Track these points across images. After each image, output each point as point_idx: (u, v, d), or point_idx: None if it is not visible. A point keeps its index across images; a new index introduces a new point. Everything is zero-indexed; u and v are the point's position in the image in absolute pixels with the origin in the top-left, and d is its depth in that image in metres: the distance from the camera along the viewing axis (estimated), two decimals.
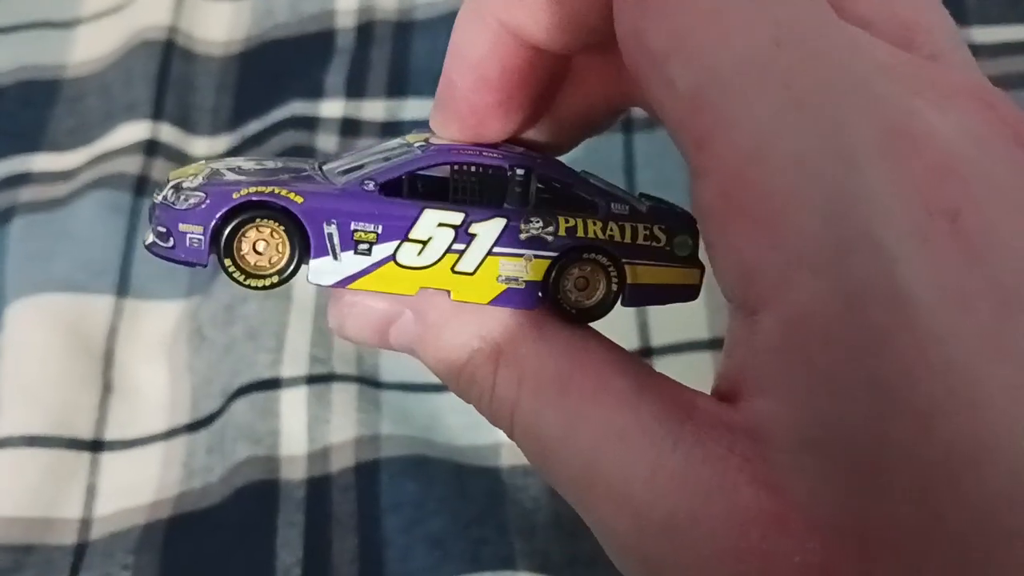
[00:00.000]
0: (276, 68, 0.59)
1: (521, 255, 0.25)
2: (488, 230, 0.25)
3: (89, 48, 0.62)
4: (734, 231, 0.21)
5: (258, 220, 0.24)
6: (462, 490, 0.44)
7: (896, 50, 0.23)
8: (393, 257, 0.25)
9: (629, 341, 0.48)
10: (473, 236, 0.25)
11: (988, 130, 0.22)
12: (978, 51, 0.53)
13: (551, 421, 0.23)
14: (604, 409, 0.23)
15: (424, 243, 0.25)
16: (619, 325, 0.48)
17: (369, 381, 0.48)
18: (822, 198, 0.20)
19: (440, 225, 0.25)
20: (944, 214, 0.20)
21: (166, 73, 0.59)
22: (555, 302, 0.26)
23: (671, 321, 0.48)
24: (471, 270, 0.25)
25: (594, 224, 0.26)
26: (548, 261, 0.25)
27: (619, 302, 0.26)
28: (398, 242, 0.25)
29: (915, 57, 0.23)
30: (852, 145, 0.20)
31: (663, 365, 0.47)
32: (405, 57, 0.58)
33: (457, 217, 0.25)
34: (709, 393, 0.23)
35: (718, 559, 0.21)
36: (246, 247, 0.25)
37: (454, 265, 0.25)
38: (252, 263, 0.25)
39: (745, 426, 0.21)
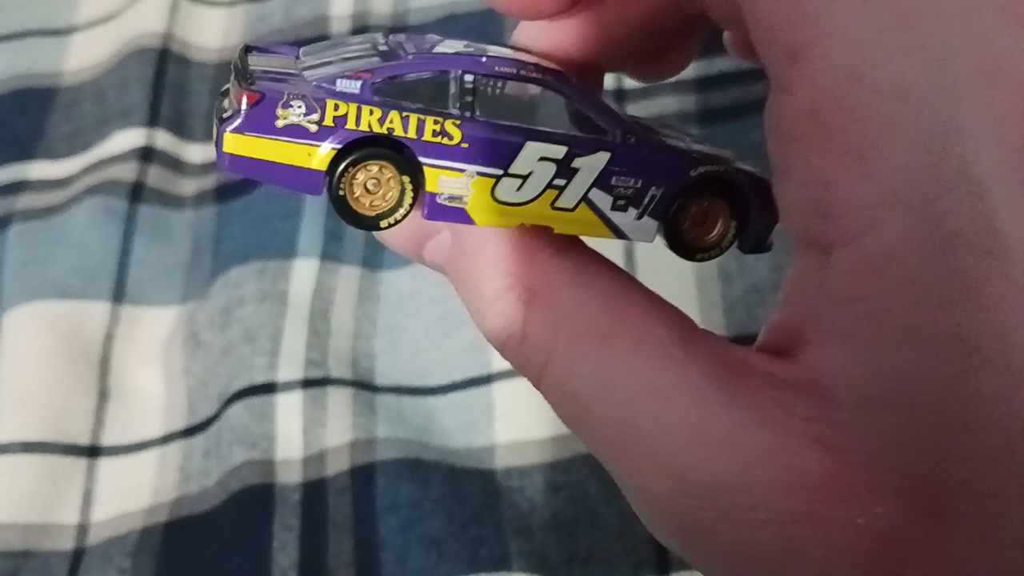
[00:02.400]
0: None
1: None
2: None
3: (84, 55, 0.62)
4: (820, 156, 0.19)
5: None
6: (458, 491, 0.44)
7: None
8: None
9: None
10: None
11: None
12: None
13: (588, 374, 0.22)
14: (647, 362, 0.21)
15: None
16: None
17: (364, 384, 0.48)
18: (922, 131, 0.18)
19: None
20: None
21: (161, 79, 0.59)
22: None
23: None
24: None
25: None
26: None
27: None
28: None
29: None
30: (956, 78, 0.18)
31: None
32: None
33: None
34: (756, 346, 0.22)
35: (771, 525, 0.20)
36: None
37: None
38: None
39: (806, 382, 0.20)
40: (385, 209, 0.24)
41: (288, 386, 0.47)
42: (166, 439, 0.49)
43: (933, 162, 0.18)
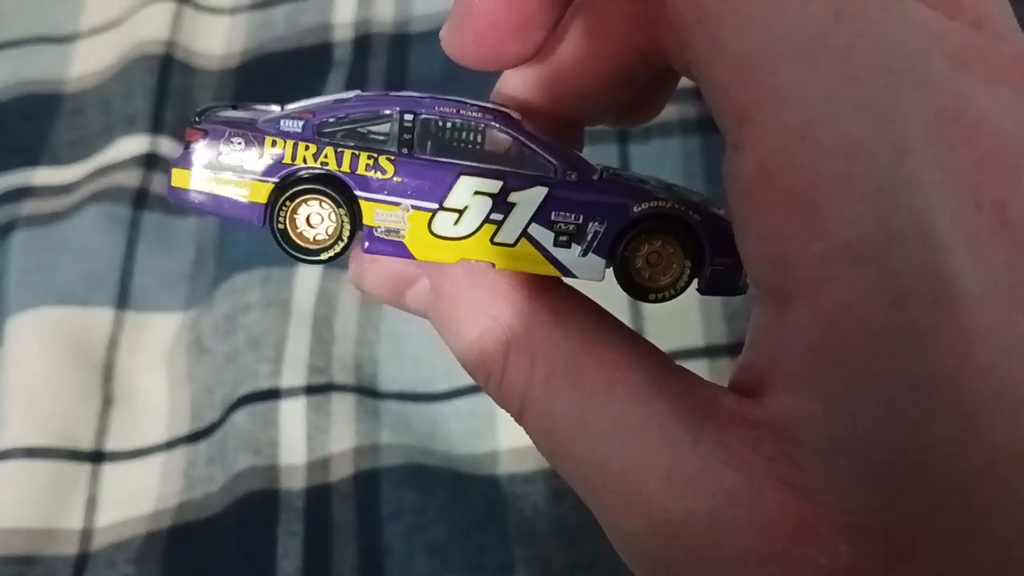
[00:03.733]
0: (274, 81, 0.59)
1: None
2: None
3: (88, 62, 0.62)
4: (772, 213, 0.19)
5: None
6: (462, 498, 0.44)
7: (944, 19, 0.21)
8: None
9: None
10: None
11: None
12: None
13: (563, 412, 0.22)
14: (618, 403, 0.22)
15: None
16: None
17: (368, 391, 0.48)
18: (872, 186, 0.18)
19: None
20: (992, 206, 0.19)
21: (165, 87, 0.59)
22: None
23: (666, 328, 0.48)
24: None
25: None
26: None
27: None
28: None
29: (963, 26, 0.21)
30: (906, 131, 0.19)
31: None
32: (402, 69, 0.58)
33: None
34: (729, 384, 0.22)
35: (738, 564, 0.20)
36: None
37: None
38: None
39: (770, 423, 0.20)
40: (326, 243, 0.25)
41: (292, 392, 0.47)
42: (170, 445, 0.49)
43: (883, 216, 0.18)
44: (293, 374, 0.48)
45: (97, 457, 0.49)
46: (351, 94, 0.26)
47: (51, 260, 0.54)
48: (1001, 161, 0.19)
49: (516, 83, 0.26)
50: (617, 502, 0.22)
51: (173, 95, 0.59)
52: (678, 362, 0.48)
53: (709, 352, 0.47)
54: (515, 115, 0.25)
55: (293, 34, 0.61)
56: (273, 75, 0.60)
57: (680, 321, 0.48)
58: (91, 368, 0.51)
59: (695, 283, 0.25)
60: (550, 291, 0.24)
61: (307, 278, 0.51)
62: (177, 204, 0.25)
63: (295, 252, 0.25)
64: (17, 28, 0.63)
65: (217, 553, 0.45)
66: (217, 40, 0.62)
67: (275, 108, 0.26)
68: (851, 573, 0.19)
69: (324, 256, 0.25)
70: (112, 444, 0.49)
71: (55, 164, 0.58)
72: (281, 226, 0.25)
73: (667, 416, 0.21)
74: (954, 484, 0.19)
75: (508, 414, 0.24)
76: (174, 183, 0.24)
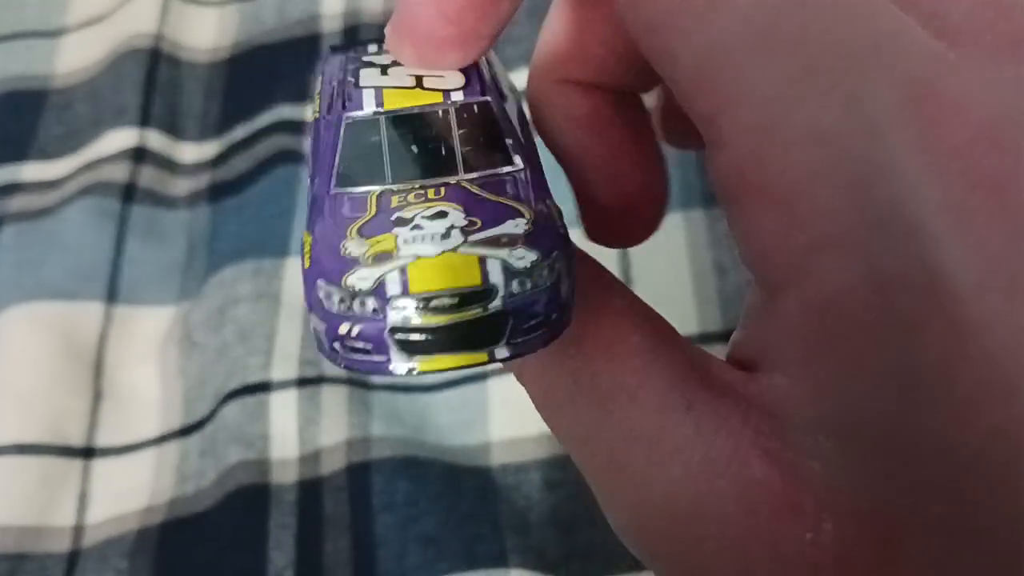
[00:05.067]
0: (263, 73, 0.59)
1: None
2: None
3: (76, 57, 0.62)
4: (752, 210, 0.19)
5: None
6: (454, 489, 0.44)
7: None
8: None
9: None
10: None
11: None
12: None
13: (559, 372, 0.22)
14: (615, 365, 0.21)
15: None
16: None
17: (359, 383, 0.48)
18: (844, 174, 0.18)
19: None
20: (988, 187, 0.18)
21: (153, 80, 0.59)
22: None
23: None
24: None
25: None
26: None
27: None
28: None
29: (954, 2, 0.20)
30: (874, 114, 0.18)
31: None
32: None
33: None
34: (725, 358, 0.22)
35: (722, 539, 0.20)
36: None
37: None
38: None
39: (760, 399, 0.20)
40: None
41: (283, 385, 0.47)
42: (161, 439, 0.48)
43: (861, 204, 0.18)
44: (284, 367, 0.47)
45: (88, 453, 0.48)
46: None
47: (40, 255, 0.53)
48: (996, 139, 0.18)
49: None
50: (606, 472, 0.21)
51: (161, 88, 0.59)
52: None
53: (703, 339, 0.47)
54: None
55: (282, 26, 0.61)
56: (263, 67, 0.60)
57: (674, 307, 0.47)
58: (81, 363, 0.50)
59: None
60: None
61: (298, 270, 0.50)
62: None
63: None
64: (3, 23, 0.63)
65: (209, 547, 0.45)
66: (206, 33, 0.62)
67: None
68: (838, 553, 0.19)
69: None
70: (103, 439, 0.49)
71: (43, 159, 0.58)
72: None
73: (663, 382, 0.21)
74: (943, 473, 0.18)
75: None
76: None
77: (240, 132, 0.57)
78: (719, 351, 0.46)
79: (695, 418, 0.20)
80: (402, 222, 0.21)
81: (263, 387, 0.47)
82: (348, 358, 0.20)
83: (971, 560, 0.18)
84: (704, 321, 0.47)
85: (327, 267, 0.20)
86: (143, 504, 0.47)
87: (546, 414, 0.23)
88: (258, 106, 0.57)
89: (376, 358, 0.20)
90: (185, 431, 0.48)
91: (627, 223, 0.27)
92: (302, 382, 0.47)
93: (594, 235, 0.27)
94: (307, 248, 0.21)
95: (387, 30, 0.25)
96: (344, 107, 0.24)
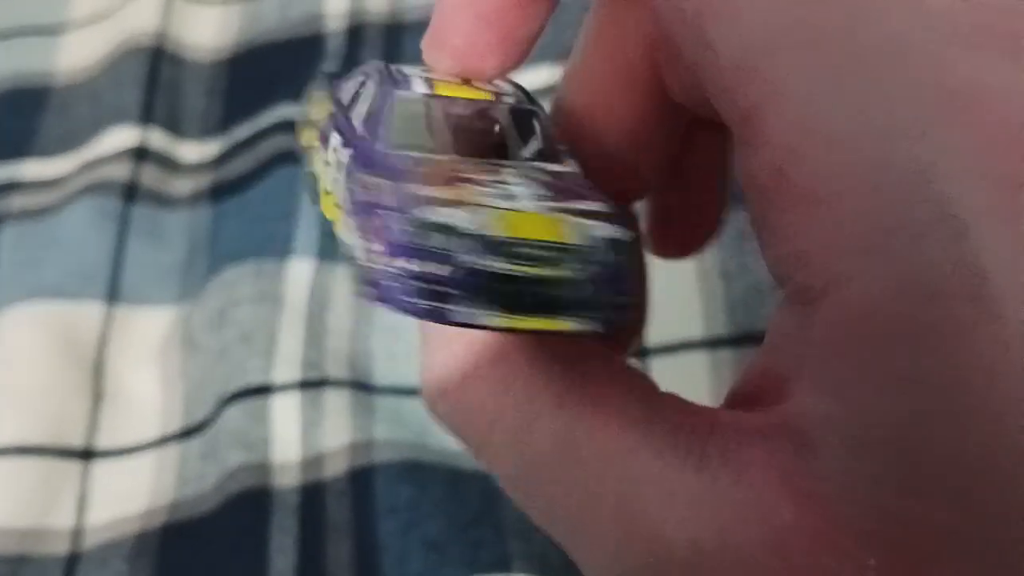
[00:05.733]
0: (265, 72, 0.59)
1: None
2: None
3: (77, 55, 0.61)
4: (790, 212, 0.18)
5: None
6: (457, 493, 0.44)
7: None
8: None
9: None
10: None
11: None
12: None
13: (544, 434, 0.20)
14: (610, 421, 0.20)
15: None
16: None
17: (362, 385, 0.47)
18: (890, 173, 0.17)
19: None
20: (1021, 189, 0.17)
21: (155, 79, 0.59)
22: None
23: (665, 320, 0.47)
24: None
25: None
26: None
27: None
28: None
29: (974, 4, 0.19)
30: (919, 113, 0.18)
31: (658, 366, 0.47)
32: (396, 59, 0.58)
33: None
34: (730, 393, 0.21)
35: None
36: None
37: None
38: None
39: (786, 432, 0.19)
40: None
41: (285, 388, 0.47)
42: (162, 442, 0.48)
43: (907, 205, 0.17)
44: (286, 369, 0.47)
45: (88, 455, 0.48)
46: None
47: (40, 255, 0.53)
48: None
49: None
50: (611, 530, 0.20)
51: (163, 87, 0.58)
52: (678, 355, 0.48)
53: (709, 344, 0.46)
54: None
55: (285, 25, 0.60)
56: (265, 67, 0.59)
57: (679, 312, 0.47)
58: (81, 364, 0.50)
59: None
60: None
61: (299, 271, 0.50)
62: None
63: None
64: (4, 20, 0.63)
65: (210, 551, 0.44)
66: (208, 32, 0.61)
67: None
68: None
69: None
70: (103, 441, 0.48)
71: (44, 158, 0.57)
72: None
73: (664, 435, 0.20)
74: (982, 491, 0.17)
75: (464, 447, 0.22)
76: None
77: (242, 132, 0.57)
78: (726, 355, 0.46)
79: (709, 471, 0.19)
80: (474, 182, 0.19)
81: (265, 390, 0.47)
82: (408, 301, 0.18)
83: None
84: (709, 325, 0.47)
85: (395, 198, 0.18)
86: (143, 507, 0.46)
87: (524, 483, 0.21)
88: (260, 106, 0.57)
89: (449, 305, 0.18)
90: (186, 434, 0.48)
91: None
92: (304, 385, 0.47)
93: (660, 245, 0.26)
94: (352, 186, 0.19)
95: (424, 43, 0.24)
96: (394, 86, 0.23)
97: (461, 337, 0.22)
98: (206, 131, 0.58)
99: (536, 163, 0.21)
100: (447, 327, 0.19)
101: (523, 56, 0.24)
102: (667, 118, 0.25)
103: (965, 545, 0.18)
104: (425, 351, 0.23)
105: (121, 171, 0.55)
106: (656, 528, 0.19)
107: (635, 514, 0.19)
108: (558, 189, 0.20)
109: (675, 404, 0.21)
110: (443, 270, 0.17)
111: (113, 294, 0.52)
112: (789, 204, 0.19)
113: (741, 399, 0.20)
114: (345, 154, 0.21)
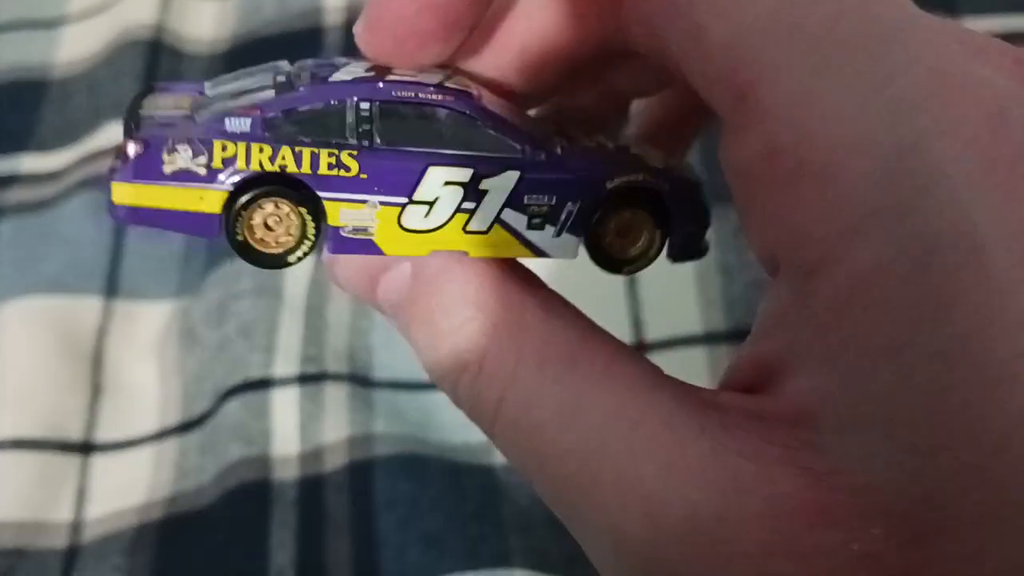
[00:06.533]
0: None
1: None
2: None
3: (75, 48, 0.61)
4: (785, 189, 0.19)
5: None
6: (457, 488, 0.44)
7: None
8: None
9: (623, 335, 0.47)
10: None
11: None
12: None
13: (552, 402, 0.21)
14: (616, 390, 0.20)
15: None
16: (611, 319, 0.48)
17: (361, 380, 0.47)
18: (885, 145, 0.18)
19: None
20: (1006, 163, 0.18)
21: (153, 71, 0.58)
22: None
23: (664, 315, 0.48)
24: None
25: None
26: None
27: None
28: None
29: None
30: (909, 90, 0.18)
31: (656, 361, 0.46)
32: None
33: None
34: (719, 388, 0.21)
35: (747, 559, 0.19)
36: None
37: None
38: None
39: (783, 413, 0.19)
40: (291, 244, 0.23)
41: (284, 382, 0.47)
42: (161, 435, 0.48)
43: (901, 177, 0.18)
44: (286, 363, 0.47)
45: (86, 448, 0.48)
46: (281, 67, 0.25)
47: (39, 249, 0.53)
48: (1004, 117, 0.19)
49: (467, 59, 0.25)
50: (612, 497, 0.20)
51: (162, 81, 0.58)
52: (676, 350, 0.48)
53: (707, 339, 0.46)
54: (475, 92, 0.24)
55: (284, 18, 0.60)
56: (263, 60, 0.59)
57: (677, 308, 0.47)
58: (80, 358, 0.50)
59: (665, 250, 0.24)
60: (539, 288, 0.23)
61: (299, 265, 0.50)
62: (121, 222, 0.23)
63: (259, 261, 0.23)
64: (2, 14, 0.63)
65: (209, 545, 0.44)
66: (206, 24, 0.61)
67: (198, 88, 0.25)
68: (876, 562, 0.18)
69: (292, 259, 0.24)
70: (102, 435, 0.48)
71: (42, 151, 0.57)
72: (240, 236, 0.23)
73: (670, 404, 0.20)
74: (979, 456, 0.18)
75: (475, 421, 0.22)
76: (116, 199, 0.22)
77: None
78: (724, 352, 0.46)
79: (711, 441, 0.19)
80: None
81: (264, 383, 0.47)
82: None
83: (1004, 551, 0.18)
84: (708, 321, 0.47)
85: None
86: (142, 500, 0.46)
87: (531, 450, 0.21)
88: None
89: None
90: (184, 427, 0.48)
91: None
92: (303, 379, 0.47)
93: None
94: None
95: (357, 28, 0.24)
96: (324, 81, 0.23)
97: (474, 314, 0.22)
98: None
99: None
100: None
101: (462, 42, 0.24)
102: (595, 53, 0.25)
103: (968, 513, 0.18)
104: (424, 333, 0.23)
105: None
106: (654, 497, 0.19)
107: (634, 482, 0.20)
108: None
109: (679, 382, 0.21)
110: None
111: (111, 288, 0.52)
112: (782, 181, 0.19)
113: (740, 386, 0.21)
114: None
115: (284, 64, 0.25)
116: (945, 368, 0.18)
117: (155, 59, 0.59)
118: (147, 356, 0.50)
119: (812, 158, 0.19)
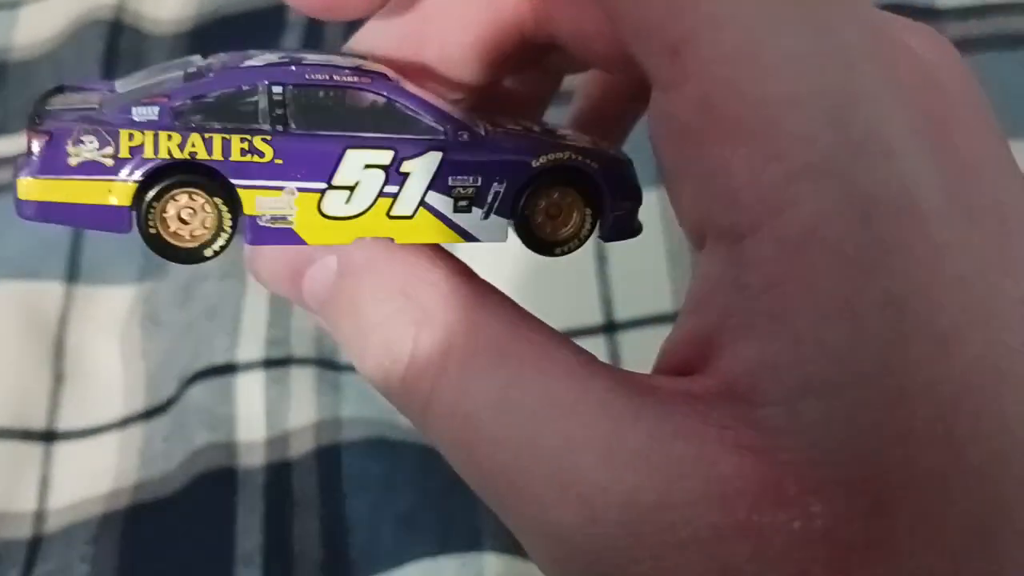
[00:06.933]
0: (227, 44, 0.58)
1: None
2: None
3: (35, 29, 0.60)
4: (720, 146, 0.18)
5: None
6: (428, 469, 0.43)
7: None
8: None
9: (592, 315, 0.47)
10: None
11: (948, 56, 0.21)
12: (943, 15, 0.53)
13: (483, 391, 0.20)
14: (549, 378, 0.20)
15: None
16: (582, 298, 0.48)
17: (328, 363, 0.47)
18: (823, 99, 0.18)
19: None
20: (939, 123, 0.18)
21: (115, 52, 0.58)
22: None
23: (635, 294, 0.47)
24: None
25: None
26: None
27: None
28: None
29: None
30: (847, 44, 0.18)
31: (627, 340, 0.46)
32: (359, 27, 0.57)
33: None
34: (654, 371, 0.21)
35: (694, 545, 0.18)
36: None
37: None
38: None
39: (719, 390, 0.18)
40: (207, 238, 0.22)
41: (249, 366, 0.46)
42: (125, 422, 0.47)
43: (840, 130, 0.18)
44: (250, 347, 0.47)
45: (49, 436, 0.47)
46: (193, 61, 0.24)
47: (0, 232, 0.52)
48: (933, 81, 0.19)
49: (375, 39, 0.24)
50: (547, 490, 0.19)
51: (123, 60, 0.57)
52: (647, 328, 0.47)
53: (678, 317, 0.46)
54: (391, 75, 0.23)
55: None
56: (227, 38, 0.58)
57: (649, 286, 0.47)
58: (42, 344, 0.49)
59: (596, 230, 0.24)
60: (470, 278, 0.22)
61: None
62: (29, 219, 0.22)
63: (174, 256, 0.22)
64: None
65: (176, 532, 0.44)
66: (169, 3, 0.60)
67: (109, 87, 0.24)
68: (827, 536, 0.17)
69: (208, 252, 0.22)
70: (65, 423, 0.48)
71: (3, 134, 0.56)
72: (153, 229, 0.22)
73: (604, 392, 0.19)
74: (931, 414, 0.17)
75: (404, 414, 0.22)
76: (22, 195, 0.21)
77: None
78: None
79: (648, 426, 0.18)
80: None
81: (229, 368, 0.46)
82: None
83: (966, 508, 0.17)
84: (679, 299, 0.46)
85: None
86: (107, 488, 0.46)
87: (462, 443, 0.20)
88: None
89: None
90: (149, 413, 0.47)
91: None
92: (269, 363, 0.46)
93: None
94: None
95: None
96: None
97: (403, 305, 0.22)
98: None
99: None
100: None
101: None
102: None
103: (927, 472, 0.17)
104: (352, 325, 0.23)
105: None
106: (592, 485, 0.18)
107: (570, 470, 0.19)
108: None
109: (613, 368, 0.20)
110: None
111: (73, 272, 0.51)
112: (718, 138, 0.18)
113: (672, 369, 0.20)
114: None
115: (197, 58, 0.24)
116: (897, 318, 0.17)
117: (117, 39, 0.58)
118: (110, 341, 0.50)
119: (749, 113, 0.18)
